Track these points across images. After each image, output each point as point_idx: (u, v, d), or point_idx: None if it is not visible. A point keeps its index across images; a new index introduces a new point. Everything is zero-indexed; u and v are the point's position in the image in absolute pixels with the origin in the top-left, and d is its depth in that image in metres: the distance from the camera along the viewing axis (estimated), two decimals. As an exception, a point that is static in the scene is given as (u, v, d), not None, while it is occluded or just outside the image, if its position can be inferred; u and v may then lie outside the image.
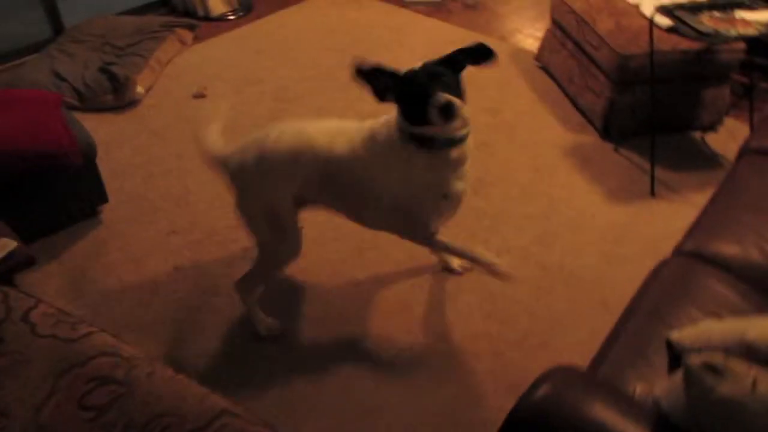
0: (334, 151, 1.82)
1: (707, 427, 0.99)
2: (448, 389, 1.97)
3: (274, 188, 1.85)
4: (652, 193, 2.76)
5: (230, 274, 2.34)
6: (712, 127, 3.16)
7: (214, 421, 1.29)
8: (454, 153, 1.76)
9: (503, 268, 1.94)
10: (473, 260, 2.00)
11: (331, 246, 2.47)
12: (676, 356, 1.43)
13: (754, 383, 0.94)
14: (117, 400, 1.34)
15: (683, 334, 1.41)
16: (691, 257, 1.81)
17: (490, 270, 1.95)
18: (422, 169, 1.77)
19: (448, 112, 1.60)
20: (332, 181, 1.85)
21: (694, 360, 0.98)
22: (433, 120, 1.63)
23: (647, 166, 2.83)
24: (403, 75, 1.69)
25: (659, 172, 2.84)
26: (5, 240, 1.82)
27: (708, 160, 3.00)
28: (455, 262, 2.34)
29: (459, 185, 1.85)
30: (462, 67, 1.74)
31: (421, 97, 1.62)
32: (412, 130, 1.72)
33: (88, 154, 2.42)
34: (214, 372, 2.00)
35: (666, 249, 1.90)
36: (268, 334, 2.09)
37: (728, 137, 3.09)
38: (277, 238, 1.92)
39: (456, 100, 1.61)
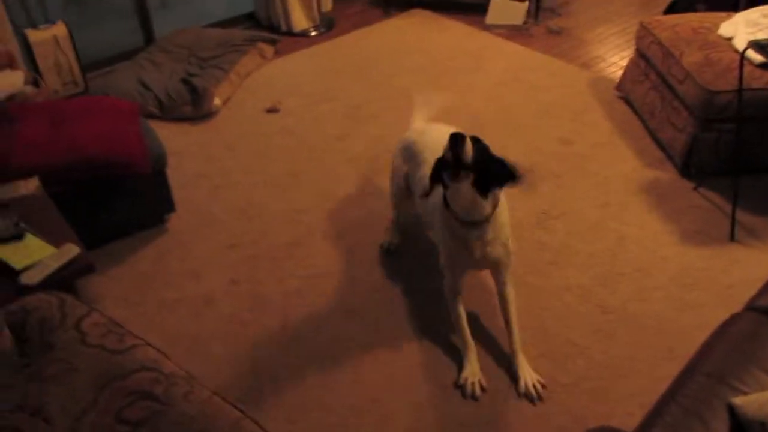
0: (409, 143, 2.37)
1: None
2: (492, 431, 1.89)
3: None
4: (732, 238, 2.59)
5: (282, 291, 2.35)
6: (804, 170, 2.95)
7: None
8: (470, 233, 1.92)
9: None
10: (462, 349, 2.09)
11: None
12: (738, 423, 1.32)
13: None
14: (152, 417, 1.36)
15: (748, 400, 1.30)
16: (766, 315, 1.68)
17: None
18: (444, 229, 1.99)
19: (456, 142, 1.72)
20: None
21: (754, 416, 0.89)
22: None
23: (728, 208, 2.66)
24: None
25: (742, 216, 2.66)
26: (69, 245, 1.89)
27: (798, 206, 2.80)
28: (524, 381, 2.01)
29: (478, 254, 1.96)
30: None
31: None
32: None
33: (159, 164, 2.50)
34: (257, 391, 2.01)
35: (742, 300, 1.78)
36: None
37: (822, 183, 2.88)
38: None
39: (468, 138, 1.74)
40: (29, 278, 1.79)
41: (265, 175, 2.96)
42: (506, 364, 2.08)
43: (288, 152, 3.11)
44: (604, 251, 2.52)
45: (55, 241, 1.91)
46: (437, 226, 2.07)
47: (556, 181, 2.89)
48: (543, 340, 2.17)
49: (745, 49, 2.56)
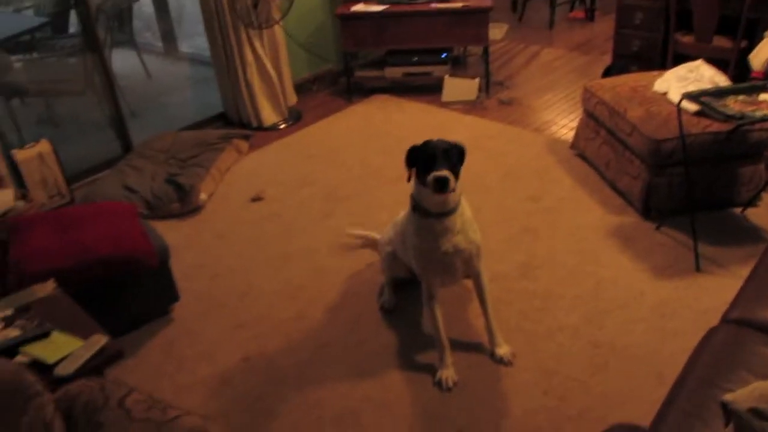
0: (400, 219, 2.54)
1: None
2: (513, 467, 2.02)
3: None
4: (698, 269, 2.83)
5: (296, 363, 2.47)
6: (751, 202, 3.25)
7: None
8: (438, 224, 2.18)
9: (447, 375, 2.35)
10: (439, 349, 2.38)
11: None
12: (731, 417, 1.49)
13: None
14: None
15: (737, 395, 1.48)
16: (739, 325, 1.89)
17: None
18: (415, 232, 2.25)
19: (442, 186, 2.04)
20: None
21: (743, 405, 1.07)
22: (429, 186, 2.08)
23: (690, 243, 2.92)
24: (424, 144, 2.14)
25: (703, 248, 2.92)
26: (97, 335, 2.00)
27: (750, 234, 3.08)
28: (500, 351, 2.43)
29: (447, 246, 2.22)
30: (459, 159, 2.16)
31: (428, 163, 2.08)
32: (414, 197, 2.21)
33: (163, 257, 2.64)
34: (286, 457, 2.10)
35: (716, 321, 1.98)
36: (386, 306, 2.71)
37: (768, 211, 3.18)
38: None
39: (451, 176, 2.05)
40: (64, 369, 1.88)
41: (259, 259, 3.11)
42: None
43: (278, 236, 3.29)
44: (587, 293, 2.73)
45: (81, 335, 2.02)
46: (409, 243, 2.33)
47: (532, 235, 3.13)
48: (545, 378, 2.33)
49: (680, 101, 2.89)
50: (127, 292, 2.59)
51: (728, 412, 1.49)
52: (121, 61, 5.94)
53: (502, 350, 2.43)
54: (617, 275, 2.83)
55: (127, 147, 4.31)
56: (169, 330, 2.71)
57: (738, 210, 3.25)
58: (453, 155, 2.11)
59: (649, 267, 2.87)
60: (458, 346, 2.50)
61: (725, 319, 1.94)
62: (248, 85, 4.46)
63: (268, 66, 4.47)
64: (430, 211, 2.19)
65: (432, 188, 2.07)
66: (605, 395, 2.25)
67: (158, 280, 2.67)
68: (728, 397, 1.51)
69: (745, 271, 2.42)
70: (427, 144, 2.13)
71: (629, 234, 3.10)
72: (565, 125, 4.34)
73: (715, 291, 2.68)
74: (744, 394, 1.49)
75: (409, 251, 2.37)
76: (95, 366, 1.94)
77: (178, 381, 2.45)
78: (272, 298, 2.84)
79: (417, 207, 2.22)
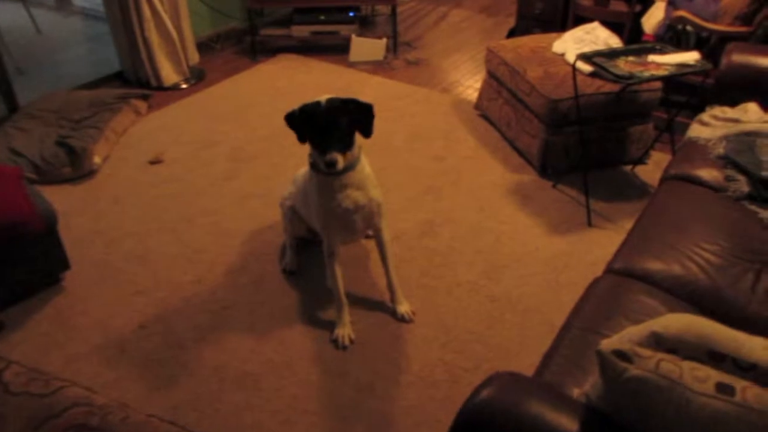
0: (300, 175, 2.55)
1: (622, 406, 1.13)
2: (411, 417, 2.07)
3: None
4: (589, 224, 2.96)
5: (196, 326, 2.43)
6: (640, 160, 3.42)
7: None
8: (336, 180, 2.17)
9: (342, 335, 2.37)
10: (338, 306, 2.41)
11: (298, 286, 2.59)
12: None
13: (658, 364, 1.09)
14: (93, 445, 1.42)
15: (609, 342, 1.56)
16: (621, 274, 1.99)
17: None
18: (315, 189, 2.24)
19: (331, 167, 2.06)
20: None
21: (606, 347, 1.12)
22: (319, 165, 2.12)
23: (583, 199, 3.04)
24: (306, 111, 2.12)
25: (595, 204, 3.05)
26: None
27: (638, 190, 3.24)
28: (401, 309, 2.47)
29: (346, 202, 2.22)
30: (356, 118, 2.14)
31: (315, 134, 2.09)
32: (311, 157, 2.19)
33: (50, 222, 2.51)
34: (186, 421, 2.07)
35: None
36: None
37: (655, 168, 3.35)
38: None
39: (339, 157, 2.05)
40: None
41: (158, 222, 3.01)
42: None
43: (178, 198, 3.18)
44: (486, 248, 2.81)
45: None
46: (310, 200, 2.33)
47: (436, 194, 3.18)
48: (443, 333, 2.39)
49: (575, 62, 2.97)
50: (11, 260, 2.45)
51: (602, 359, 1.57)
52: (8, 14, 5.53)
53: (403, 308, 2.47)
54: (515, 231, 2.92)
55: (12, 107, 4.03)
56: (59, 299, 2.58)
57: (628, 168, 3.41)
58: (343, 119, 2.07)
59: (545, 222, 2.97)
60: (362, 304, 2.52)
61: (608, 270, 2.04)
62: (146, 43, 4.25)
63: (167, 22, 4.27)
64: (322, 168, 2.17)
65: (323, 166, 2.08)
66: (501, 347, 2.34)
67: (45, 247, 2.53)
68: (602, 344, 1.60)
69: (631, 225, 2.56)
70: (309, 109, 2.10)
71: (527, 191, 3.20)
72: (471, 86, 4.39)
73: (604, 244, 2.81)
74: (614, 339, 1.58)
75: (311, 208, 2.35)
76: (-28, 338, 1.83)
77: (69, 351, 2.35)
78: (171, 262, 2.76)
79: (315, 165, 2.20)
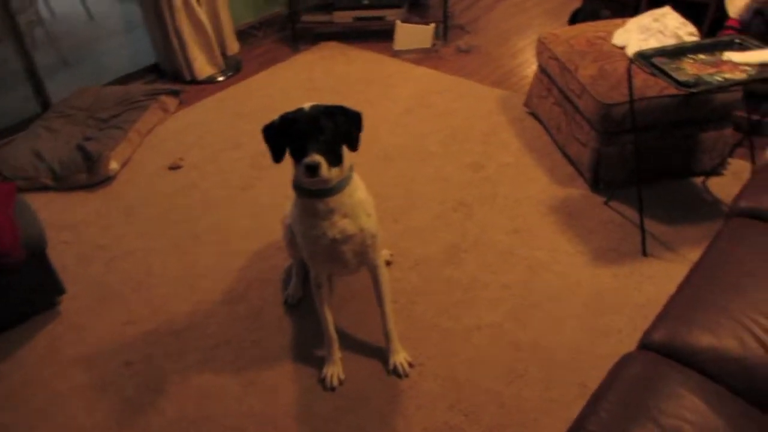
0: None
1: None
2: (402, 500, 1.78)
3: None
4: (644, 253, 2.53)
5: (182, 369, 2.21)
6: (714, 171, 2.93)
7: None
8: (320, 204, 1.85)
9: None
10: (326, 342, 2.15)
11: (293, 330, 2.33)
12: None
13: None
14: None
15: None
16: (659, 351, 1.60)
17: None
18: (298, 213, 1.94)
19: (312, 171, 1.72)
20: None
21: None
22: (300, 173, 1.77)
23: (639, 220, 2.61)
24: (287, 119, 1.78)
25: (654, 227, 2.62)
26: None
27: (710, 209, 2.76)
28: (395, 359, 2.15)
29: (332, 231, 1.90)
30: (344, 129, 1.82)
31: (296, 142, 1.76)
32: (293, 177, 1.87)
33: (37, 247, 2.34)
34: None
35: (654, 315, 1.69)
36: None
37: (734, 180, 2.86)
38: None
39: (323, 161, 1.71)
40: None
41: (165, 239, 2.81)
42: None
43: (190, 211, 2.98)
44: (516, 282, 2.44)
45: None
46: (294, 227, 2.05)
47: (465, 211, 2.82)
48: (454, 389, 2.07)
49: (631, 63, 2.51)
50: (-2, 288, 2.31)
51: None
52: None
53: (398, 357, 2.14)
54: (552, 259, 2.53)
55: (45, 104, 3.94)
56: (53, 327, 2.43)
57: (699, 180, 2.93)
58: (328, 126, 1.75)
59: (590, 249, 2.57)
60: (360, 347, 2.23)
61: (644, 343, 1.65)
62: (178, 34, 4.05)
63: (198, 11, 4.04)
64: (310, 189, 1.84)
65: (303, 173, 1.74)
66: (519, 410, 1.99)
67: (33, 274, 2.37)
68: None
69: (695, 255, 2.13)
70: (290, 116, 1.78)
71: (573, 209, 2.79)
72: (526, 77, 3.95)
73: (659, 280, 2.39)
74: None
75: (299, 240, 2.06)
76: None
77: (52, 389, 2.19)
78: (170, 288, 2.55)
79: (297, 184, 1.87)
